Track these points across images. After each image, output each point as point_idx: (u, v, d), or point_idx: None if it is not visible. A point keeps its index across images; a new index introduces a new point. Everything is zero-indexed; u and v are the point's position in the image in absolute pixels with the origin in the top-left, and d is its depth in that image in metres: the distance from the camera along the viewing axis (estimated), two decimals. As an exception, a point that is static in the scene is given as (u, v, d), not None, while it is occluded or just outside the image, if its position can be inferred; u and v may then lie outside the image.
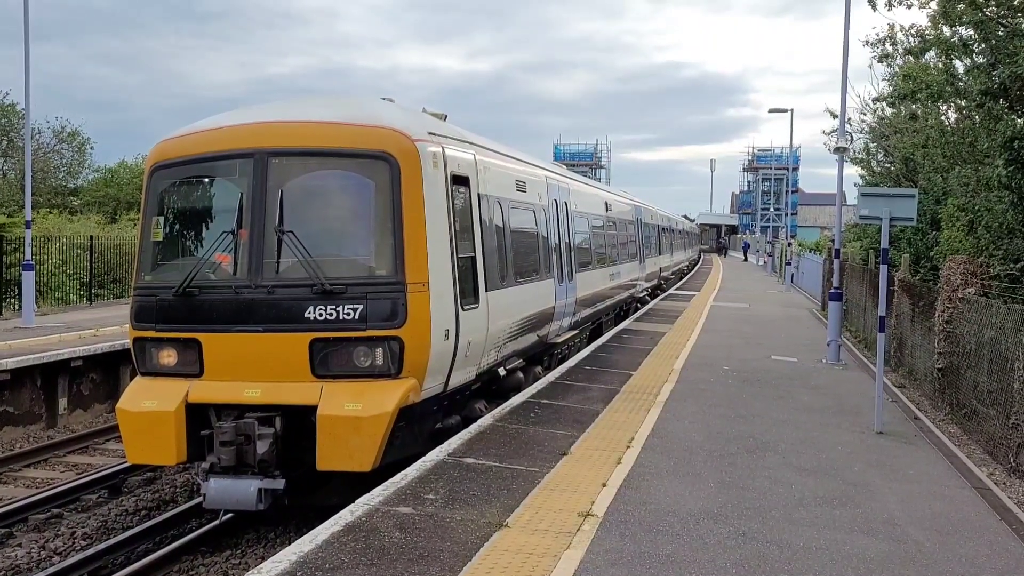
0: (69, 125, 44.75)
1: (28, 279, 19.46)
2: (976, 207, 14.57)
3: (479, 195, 10.69)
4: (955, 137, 17.99)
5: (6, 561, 9.18)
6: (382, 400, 8.38)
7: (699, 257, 70.65)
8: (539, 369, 14.22)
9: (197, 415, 8.80)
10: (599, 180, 76.38)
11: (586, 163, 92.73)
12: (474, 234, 10.35)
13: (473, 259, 10.19)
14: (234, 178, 9.18)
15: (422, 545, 6.32)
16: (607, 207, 21.72)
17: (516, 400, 11.50)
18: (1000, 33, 13.21)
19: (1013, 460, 9.77)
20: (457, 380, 9.82)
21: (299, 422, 8.56)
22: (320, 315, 8.56)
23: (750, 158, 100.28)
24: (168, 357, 8.96)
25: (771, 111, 48.33)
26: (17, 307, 21.62)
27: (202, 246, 9.27)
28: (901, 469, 9.20)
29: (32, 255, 20.01)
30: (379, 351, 8.58)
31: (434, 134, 9.70)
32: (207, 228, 9.35)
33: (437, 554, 6.17)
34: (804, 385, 13.92)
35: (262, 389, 8.58)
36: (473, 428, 9.81)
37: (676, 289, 36.32)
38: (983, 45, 13.80)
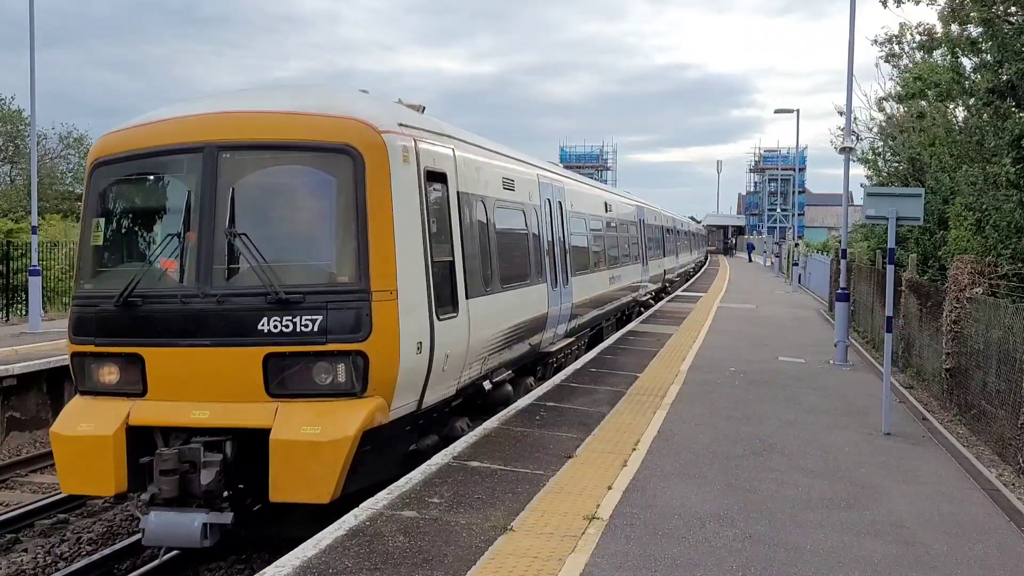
0: (75, 131, 44.98)
1: (34, 284, 19.52)
2: (984, 206, 14.48)
3: (458, 193, 9.81)
4: (962, 136, 17.88)
5: (12, 567, 9.18)
6: (343, 422, 7.57)
7: (706, 258, 70.48)
8: (531, 380, 13.46)
9: (141, 439, 7.94)
10: (605, 182, 76.29)
11: (592, 165, 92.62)
12: (452, 236, 9.49)
13: (451, 263, 9.36)
14: (181, 175, 8.33)
15: (426, 549, 6.29)
16: (607, 207, 20.82)
17: (522, 403, 11.46)
18: (1007, 30, 13.13)
19: (1022, 461, 9.68)
20: (433, 397, 9.01)
21: (253, 446, 7.69)
22: (275, 327, 7.72)
23: (756, 159, 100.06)
24: (109, 374, 8.10)
25: (777, 111, 48.22)
26: (24, 312, 21.68)
27: (146, 250, 8.46)
28: (909, 470, 9.14)
29: (38, 260, 20.07)
30: (341, 367, 7.76)
31: (406, 126, 8.84)
32: (151, 231, 8.58)
33: (441, 558, 6.14)
34: (811, 386, 13.86)
35: (211, 410, 7.77)
36: (479, 431, 9.77)
37: (683, 291, 36.25)
38: (991, 43, 13.71)
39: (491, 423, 10.19)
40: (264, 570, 5.84)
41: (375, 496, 7.40)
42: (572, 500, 7.54)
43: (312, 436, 7.46)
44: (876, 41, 21.87)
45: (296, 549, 6.23)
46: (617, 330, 20.81)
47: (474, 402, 10.84)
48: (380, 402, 7.88)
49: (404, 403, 8.33)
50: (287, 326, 7.73)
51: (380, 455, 8.16)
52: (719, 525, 7.12)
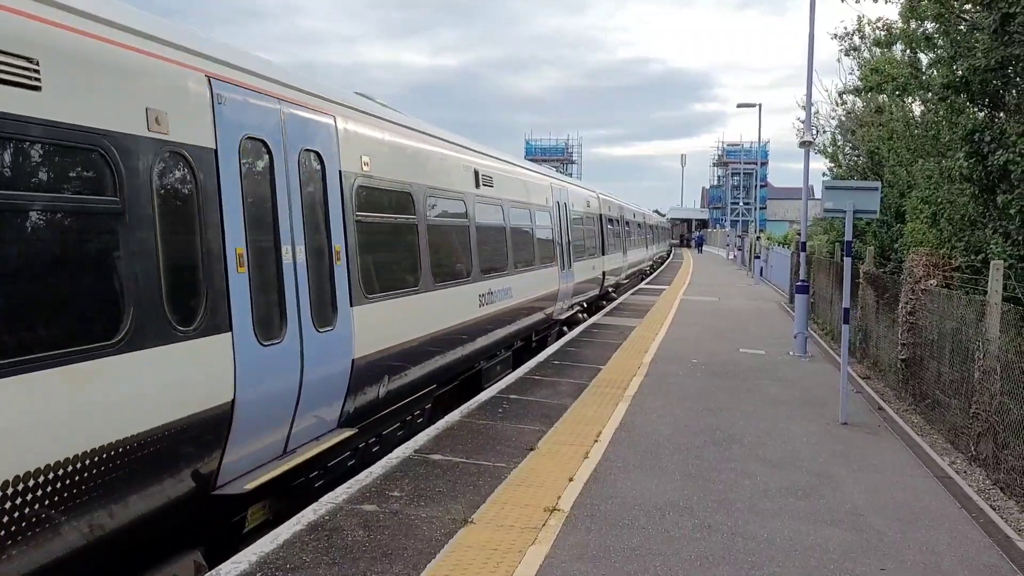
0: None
1: None
2: (939, 199, 14.73)
3: None
4: (919, 130, 18.19)
5: None
6: None
7: (669, 252, 70.62)
8: None
9: None
10: (571, 175, 76.01)
11: (558, 158, 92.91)
12: None
13: None
14: None
15: (386, 543, 6.26)
16: (479, 181, 12.75)
17: (484, 395, 11.46)
18: (961, 27, 13.35)
19: (974, 449, 9.89)
20: None
21: None
22: None
23: (719, 153, 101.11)
24: None
25: (739, 106, 48.60)
26: None
27: None
28: (865, 459, 9.29)
29: None
30: None
31: None
32: None
33: (401, 552, 6.12)
34: (771, 377, 14.02)
35: None
36: (441, 424, 9.76)
37: (647, 283, 36.54)
38: (945, 39, 13.94)
39: (453, 416, 10.18)
40: (220, 566, 5.78)
41: (335, 490, 7.36)
42: (533, 492, 7.56)
43: None
44: (836, 35, 22.18)
45: (253, 544, 6.18)
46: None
47: None
48: None
49: None
50: None
51: None
52: (678, 515, 7.19)
